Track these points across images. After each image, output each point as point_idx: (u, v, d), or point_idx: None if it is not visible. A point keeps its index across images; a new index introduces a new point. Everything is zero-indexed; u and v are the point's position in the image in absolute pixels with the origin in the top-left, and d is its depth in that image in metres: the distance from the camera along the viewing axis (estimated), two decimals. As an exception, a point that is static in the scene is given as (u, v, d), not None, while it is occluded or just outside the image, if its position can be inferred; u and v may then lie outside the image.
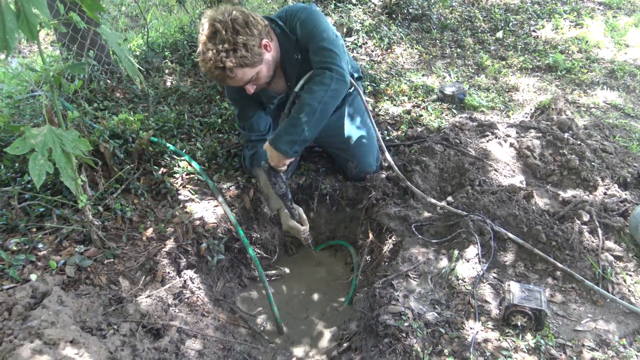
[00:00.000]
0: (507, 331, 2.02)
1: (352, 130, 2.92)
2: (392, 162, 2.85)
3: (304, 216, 2.76)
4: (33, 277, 2.02)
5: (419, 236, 2.57)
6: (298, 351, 2.46)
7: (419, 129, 3.49)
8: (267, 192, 2.78)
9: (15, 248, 2.19)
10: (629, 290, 2.24)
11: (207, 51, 2.21)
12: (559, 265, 2.30)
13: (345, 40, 4.74)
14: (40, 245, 2.23)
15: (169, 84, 3.89)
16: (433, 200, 2.75)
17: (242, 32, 2.21)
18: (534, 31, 5.61)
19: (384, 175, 2.99)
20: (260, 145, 2.75)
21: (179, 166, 2.94)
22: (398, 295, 2.20)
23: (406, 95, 4.04)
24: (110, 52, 3.88)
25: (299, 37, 2.48)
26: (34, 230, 2.35)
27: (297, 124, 2.35)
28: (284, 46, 2.51)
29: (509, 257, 2.39)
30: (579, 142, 3.16)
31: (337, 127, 2.91)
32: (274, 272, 2.94)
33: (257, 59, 2.30)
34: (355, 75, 2.87)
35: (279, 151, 2.39)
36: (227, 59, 2.20)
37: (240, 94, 2.63)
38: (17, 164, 2.67)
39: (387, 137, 3.40)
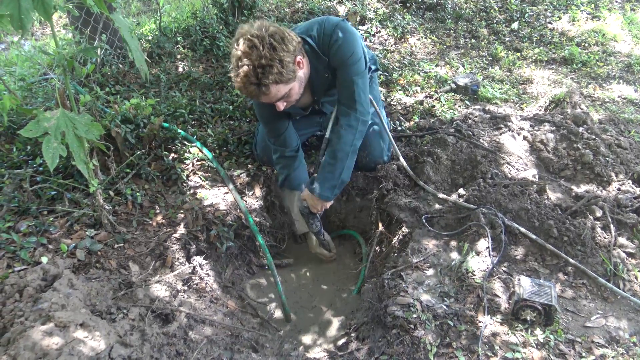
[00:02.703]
0: (516, 326, 2.01)
1: None
2: (404, 163, 2.83)
3: (332, 244, 2.97)
4: (44, 259, 2.03)
5: (430, 228, 2.55)
6: (305, 339, 2.46)
7: (432, 120, 3.46)
8: (293, 214, 2.91)
9: (26, 230, 2.20)
10: (641, 288, 2.22)
11: (242, 66, 2.13)
12: (571, 261, 2.27)
13: (358, 29, 4.70)
14: (51, 228, 2.25)
15: (180, 69, 3.88)
16: (443, 195, 2.74)
17: (278, 48, 2.14)
18: (550, 23, 5.54)
19: (395, 166, 2.97)
20: (292, 163, 2.80)
21: (189, 152, 2.94)
22: (407, 286, 2.20)
23: (419, 86, 4.00)
24: (123, 38, 3.87)
25: (331, 59, 2.43)
26: (45, 213, 2.36)
27: (333, 170, 2.52)
28: (313, 64, 2.46)
29: (519, 251, 2.37)
30: (593, 137, 3.12)
31: None
32: (285, 261, 2.94)
33: (291, 75, 2.23)
34: (373, 67, 2.84)
35: (321, 198, 2.55)
36: (262, 75, 2.13)
37: (270, 111, 2.61)
38: (29, 147, 2.69)
39: (399, 128, 3.38)
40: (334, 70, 2.49)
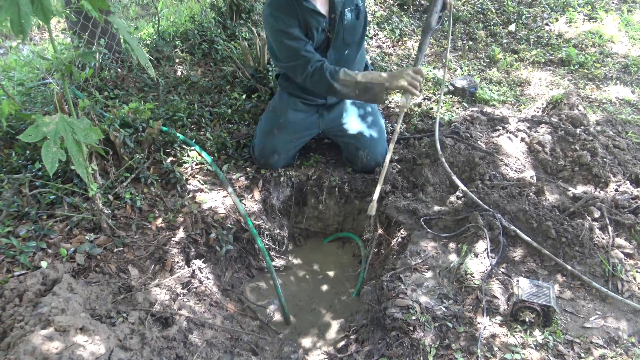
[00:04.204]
0: (515, 327, 2.02)
1: (366, 118, 2.93)
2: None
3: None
4: (43, 264, 2.03)
5: (428, 230, 2.56)
6: (305, 342, 2.47)
7: (430, 122, 3.47)
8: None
9: (26, 235, 2.21)
10: (639, 288, 2.23)
11: None
12: (568, 267, 2.28)
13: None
14: (50, 233, 2.25)
15: (179, 73, 3.89)
16: (460, 184, 2.74)
17: None
18: (547, 24, 5.55)
19: (393, 169, 2.99)
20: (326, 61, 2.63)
21: (188, 156, 2.95)
22: (406, 288, 2.20)
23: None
24: (122, 41, 3.88)
25: None
26: (45, 217, 2.37)
27: None
28: None
29: (518, 253, 2.38)
30: (590, 138, 3.13)
31: (352, 113, 2.91)
32: (284, 263, 2.95)
33: None
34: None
35: None
36: None
37: (293, 23, 2.58)
38: (28, 152, 2.69)
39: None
40: None
